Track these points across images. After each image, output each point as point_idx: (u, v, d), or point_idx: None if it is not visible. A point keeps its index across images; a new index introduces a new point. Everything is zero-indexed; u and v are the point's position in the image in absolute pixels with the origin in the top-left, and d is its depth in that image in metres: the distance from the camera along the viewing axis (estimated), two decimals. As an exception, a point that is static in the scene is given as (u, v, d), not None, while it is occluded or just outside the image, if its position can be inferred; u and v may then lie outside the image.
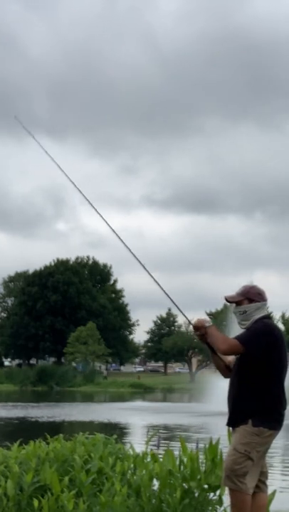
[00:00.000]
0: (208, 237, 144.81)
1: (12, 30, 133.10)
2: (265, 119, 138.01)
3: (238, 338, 5.49)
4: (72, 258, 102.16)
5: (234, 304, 5.73)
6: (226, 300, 5.77)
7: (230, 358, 5.72)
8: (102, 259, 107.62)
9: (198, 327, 5.62)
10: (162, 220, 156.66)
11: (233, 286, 5.89)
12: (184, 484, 6.68)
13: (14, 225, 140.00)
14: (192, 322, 5.80)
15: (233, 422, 5.53)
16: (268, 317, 5.70)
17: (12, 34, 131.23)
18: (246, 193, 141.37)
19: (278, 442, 18.67)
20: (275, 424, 5.46)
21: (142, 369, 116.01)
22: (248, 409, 5.42)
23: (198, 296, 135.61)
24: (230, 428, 5.66)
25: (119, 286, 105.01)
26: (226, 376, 5.79)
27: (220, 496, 6.67)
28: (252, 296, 5.66)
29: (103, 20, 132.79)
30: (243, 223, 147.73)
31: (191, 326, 6.03)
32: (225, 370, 5.78)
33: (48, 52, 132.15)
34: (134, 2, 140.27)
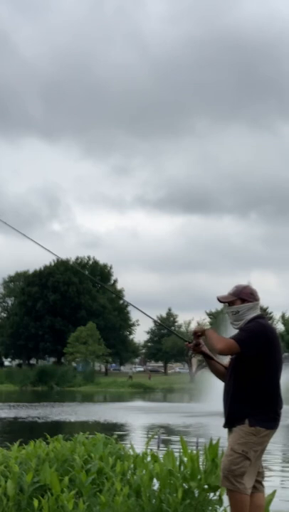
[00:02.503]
0: (203, 237, 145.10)
1: (2, 31, 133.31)
2: (256, 120, 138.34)
3: (234, 337, 5.49)
4: (72, 258, 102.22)
5: (227, 304, 5.73)
6: (219, 300, 5.77)
7: (227, 361, 5.71)
8: (98, 259, 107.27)
9: (197, 331, 5.65)
10: (156, 220, 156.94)
11: (231, 286, 5.87)
12: (184, 484, 6.69)
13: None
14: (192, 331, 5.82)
15: (230, 422, 5.53)
16: (262, 317, 5.68)
17: (2, 35, 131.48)
18: (240, 193, 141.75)
19: (277, 443, 18.66)
20: (272, 424, 5.46)
21: (141, 369, 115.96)
22: (245, 409, 5.42)
23: (196, 297, 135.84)
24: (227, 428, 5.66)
25: (119, 286, 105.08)
26: (225, 380, 5.75)
27: (220, 496, 6.69)
28: (244, 296, 5.65)
29: (92, 22, 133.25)
30: (238, 223, 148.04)
31: (191, 326, 6.05)
32: (224, 375, 5.73)
33: (40, 54, 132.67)
34: (121, 3, 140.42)
